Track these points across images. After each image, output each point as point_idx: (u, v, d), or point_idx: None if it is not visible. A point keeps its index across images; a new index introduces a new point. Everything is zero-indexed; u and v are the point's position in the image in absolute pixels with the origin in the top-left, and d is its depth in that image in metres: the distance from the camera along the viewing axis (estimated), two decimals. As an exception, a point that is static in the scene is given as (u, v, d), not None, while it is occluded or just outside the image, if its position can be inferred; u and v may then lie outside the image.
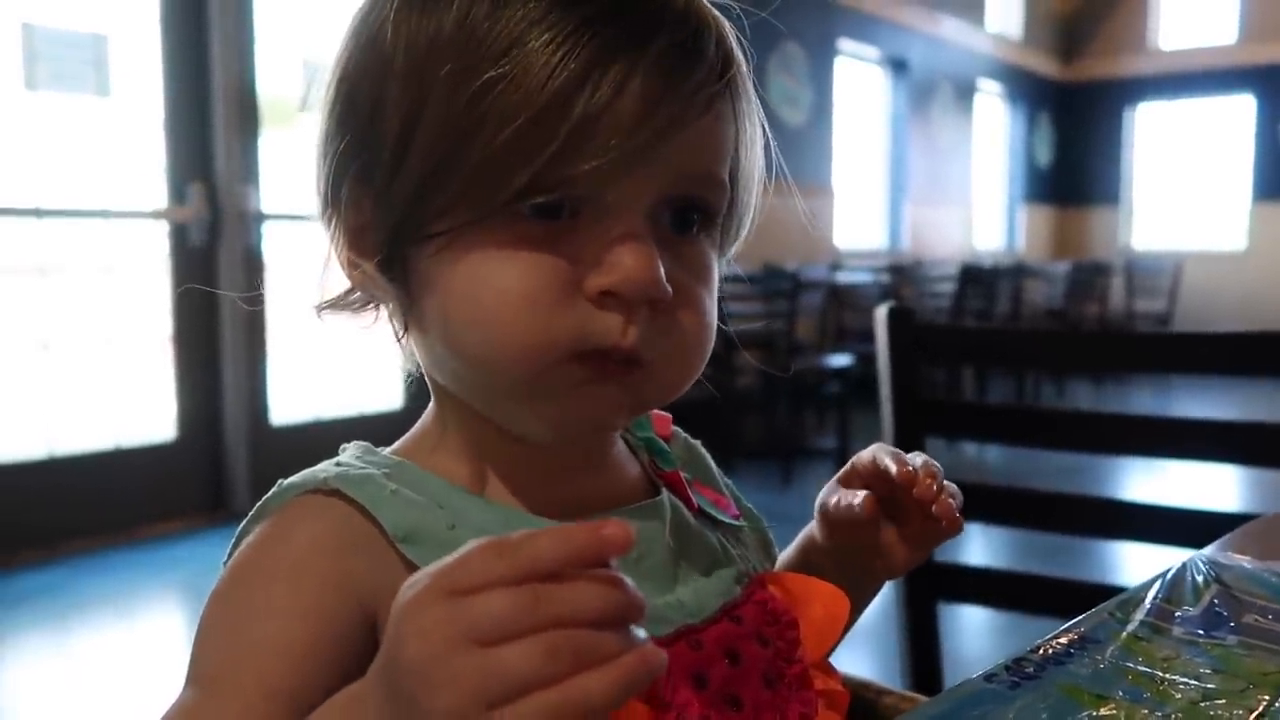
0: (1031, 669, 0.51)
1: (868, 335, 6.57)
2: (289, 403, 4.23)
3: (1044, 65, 10.42)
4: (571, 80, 0.47)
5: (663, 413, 0.64)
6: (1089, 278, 8.50)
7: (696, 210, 0.53)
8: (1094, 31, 10.67)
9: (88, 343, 3.72)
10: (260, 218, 4.03)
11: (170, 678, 2.65)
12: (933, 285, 6.75)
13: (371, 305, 0.58)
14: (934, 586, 1.18)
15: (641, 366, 0.51)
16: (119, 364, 3.80)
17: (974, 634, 2.83)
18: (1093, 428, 1.11)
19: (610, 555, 0.34)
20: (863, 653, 2.42)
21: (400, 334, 0.55)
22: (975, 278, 6.46)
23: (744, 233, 0.60)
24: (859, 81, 7.91)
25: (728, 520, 0.62)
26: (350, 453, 0.56)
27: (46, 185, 3.57)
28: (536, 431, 0.54)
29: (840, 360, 5.11)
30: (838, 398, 5.06)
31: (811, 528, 0.70)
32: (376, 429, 4.25)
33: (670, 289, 0.50)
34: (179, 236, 3.88)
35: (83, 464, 3.65)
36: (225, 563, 0.53)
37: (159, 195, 3.84)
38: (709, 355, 0.55)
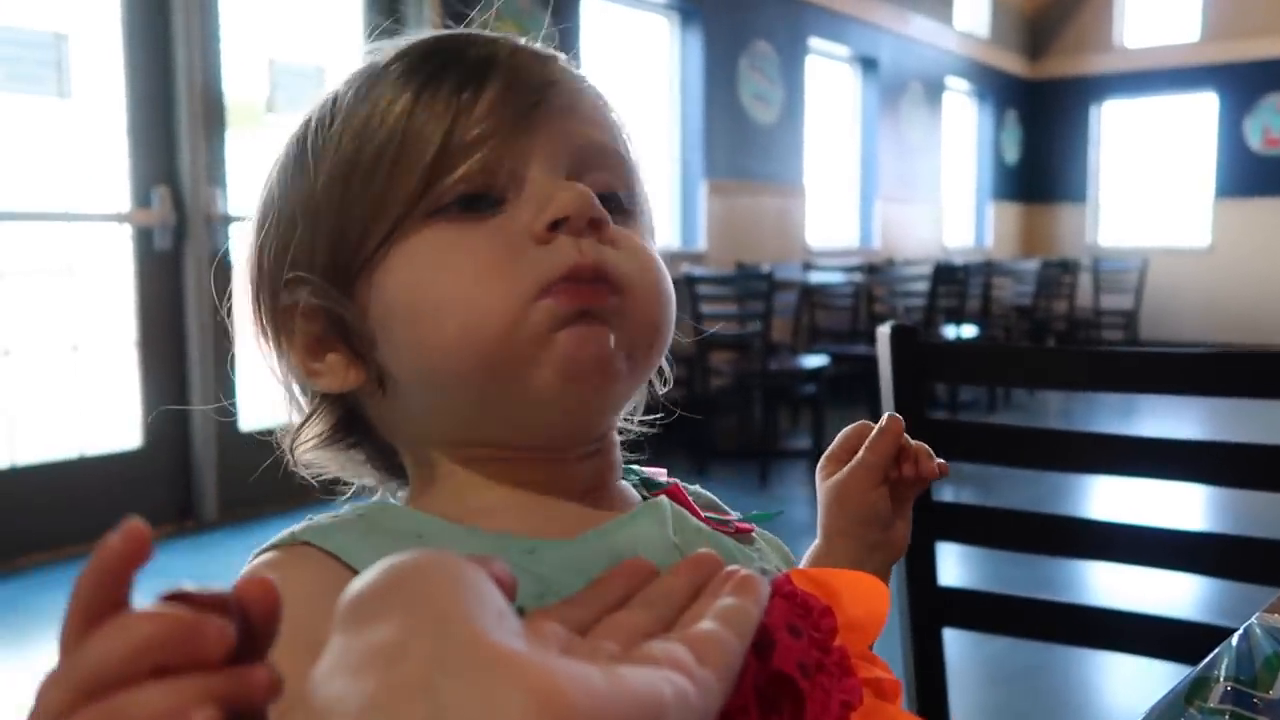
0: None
1: (841, 335, 6.63)
2: (258, 408, 4.15)
3: (1011, 63, 10.49)
4: (437, 102, 0.52)
5: (656, 468, 0.64)
6: (1057, 275, 8.57)
7: (618, 192, 0.56)
8: (1060, 30, 10.75)
9: (51, 349, 3.63)
10: (227, 220, 3.95)
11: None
12: (905, 284, 6.76)
13: (353, 442, 0.62)
14: (937, 610, 1.16)
15: (613, 288, 0.52)
16: (83, 371, 3.72)
17: (980, 656, 2.82)
18: (1101, 449, 1.08)
19: (130, 562, 0.30)
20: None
21: (379, 423, 0.58)
22: (947, 276, 6.47)
23: (650, 219, 0.61)
24: (829, 80, 7.91)
25: (737, 521, 0.61)
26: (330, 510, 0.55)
27: (6, 188, 3.48)
28: (545, 399, 0.51)
29: (815, 361, 5.09)
30: (812, 398, 5.05)
31: (814, 545, 0.72)
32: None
33: (607, 213, 0.52)
34: (144, 240, 3.79)
35: (46, 474, 3.57)
36: None
37: (123, 198, 3.75)
38: (672, 300, 0.56)
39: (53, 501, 3.55)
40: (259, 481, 4.31)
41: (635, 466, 0.62)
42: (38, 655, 2.82)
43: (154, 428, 3.84)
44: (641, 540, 0.52)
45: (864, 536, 0.70)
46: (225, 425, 3.99)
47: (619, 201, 0.56)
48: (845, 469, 0.72)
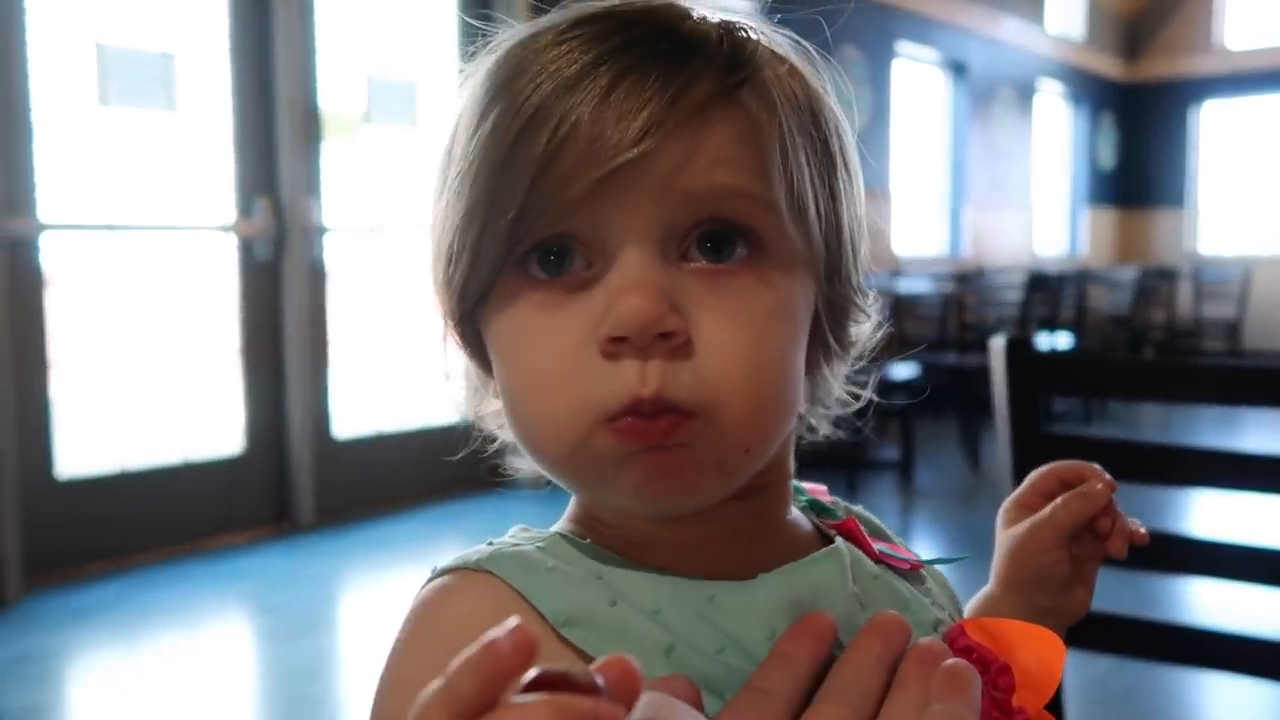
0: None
1: (931, 345, 6.51)
2: (352, 416, 4.25)
3: (1106, 65, 10.22)
4: (540, 110, 0.46)
5: (816, 485, 0.60)
6: (1155, 284, 8.31)
7: (736, 233, 0.47)
8: (1157, 30, 10.44)
9: (159, 357, 3.76)
10: (323, 230, 4.05)
11: (235, 689, 2.67)
12: (997, 294, 6.62)
13: None
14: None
15: (686, 414, 0.45)
16: (189, 378, 3.84)
17: (1085, 677, 2.75)
18: (1226, 466, 1.04)
19: (515, 664, 0.29)
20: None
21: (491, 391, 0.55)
22: (1040, 285, 6.32)
23: (849, 276, 0.53)
24: (918, 84, 7.80)
25: (909, 564, 0.57)
26: (509, 533, 0.53)
27: (118, 200, 3.62)
28: (633, 507, 0.49)
29: (904, 371, 5.02)
30: (901, 409, 4.97)
31: (985, 591, 0.67)
32: (439, 442, 4.25)
33: (675, 320, 0.45)
34: (246, 250, 3.91)
35: (151, 478, 3.69)
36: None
37: (227, 209, 3.87)
38: (782, 387, 0.48)
39: (158, 504, 3.67)
40: (353, 487, 4.42)
41: (799, 484, 0.58)
42: (144, 651, 2.92)
43: (254, 434, 3.95)
44: (821, 589, 0.49)
45: (1035, 599, 0.66)
46: (321, 432, 4.09)
47: (740, 242, 0.48)
48: (1028, 522, 0.66)
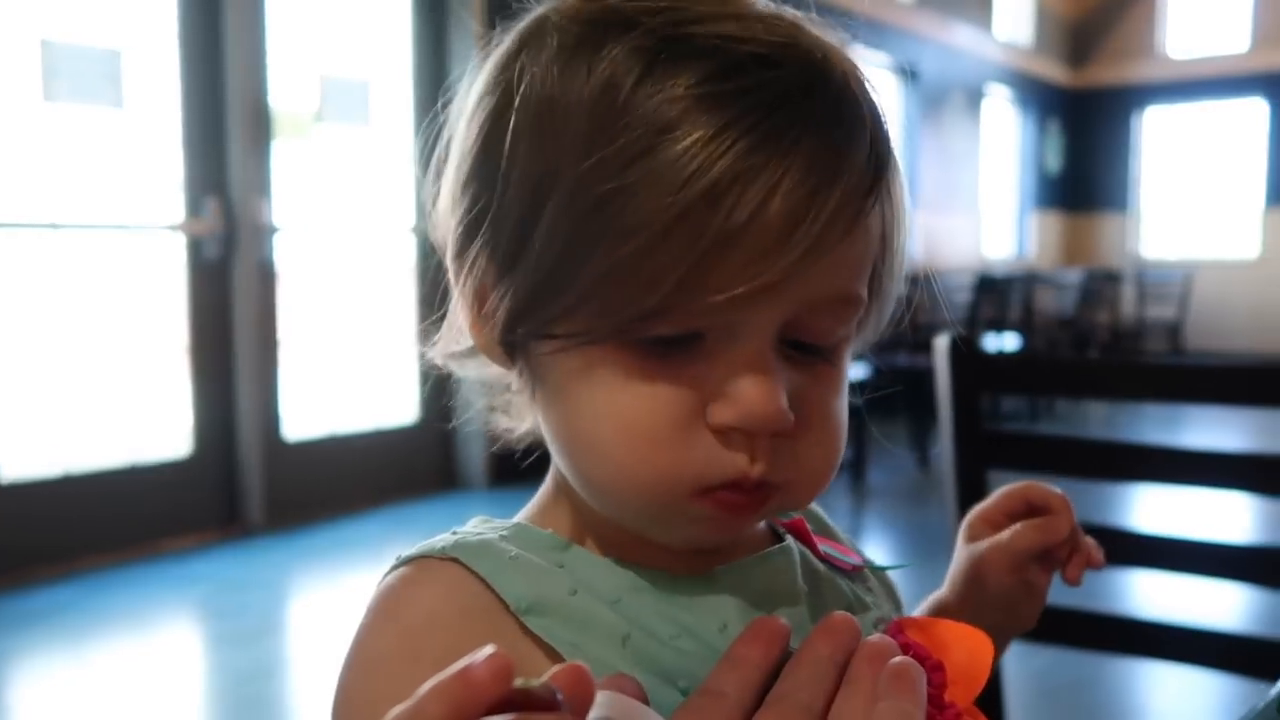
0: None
1: (883, 346, 6.59)
2: (303, 417, 4.21)
3: (1053, 72, 10.40)
4: (702, 197, 0.43)
5: None
6: (1100, 286, 8.48)
7: (834, 339, 0.49)
8: (1102, 39, 10.65)
9: (104, 358, 3.70)
10: (273, 230, 4.01)
11: (185, 694, 2.64)
12: (948, 295, 6.71)
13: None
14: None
15: (771, 489, 0.48)
16: (135, 379, 3.79)
17: (1029, 669, 2.80)
18: (1164, 462, 1.08)
19: (489, 692, 0.30)
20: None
21: (531, 397, 0.52)
22: (989, 287, 6.42)
23: (884, 322, 0.55)
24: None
25: (851, 564, 0.59)
26: (470, 523, 0.53)
27: (63, 199, 3.56)
28: (681, 540, 0.51)
29: (856, 372, 5.07)
30: (854, 410, 5.02)
31: (939, 594, 0.69)
32: (391, 444, 4.24)
33: (793, 417, 0.46)
34: (195, 250, 3.86)
35: (98, 481, 3.63)
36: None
37: (175, 208, 3.82)
38: (841, 457, 0.52)
39: (104, 508, 3.62)
40: (304, 489, 4.37)
41: None
42: (93, 656, 2.88)
43: (202, 435, 3.91)
44: (772, 586, 0.52)
45: (986, 614, 0.66)
46: (271, 433, 4.04)
47: (831, 346, 0.50)
48: (987, 544, 0.67)
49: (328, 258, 4.39)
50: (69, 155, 3.58)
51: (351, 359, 4.42)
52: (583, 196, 0.44)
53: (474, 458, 4.60)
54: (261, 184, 3.96)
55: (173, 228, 3.83)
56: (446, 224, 0.52)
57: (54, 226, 3.54)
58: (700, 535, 0.50)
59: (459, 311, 0.53)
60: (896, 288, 0.54)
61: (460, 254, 0.51)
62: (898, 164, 0.51)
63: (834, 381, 0.50)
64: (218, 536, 3.86)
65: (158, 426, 3.82)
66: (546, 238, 0.46)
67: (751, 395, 0.45)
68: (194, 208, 3.84)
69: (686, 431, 0.46)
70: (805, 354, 0.49)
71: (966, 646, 0.53)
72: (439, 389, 0.65)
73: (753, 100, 0.44)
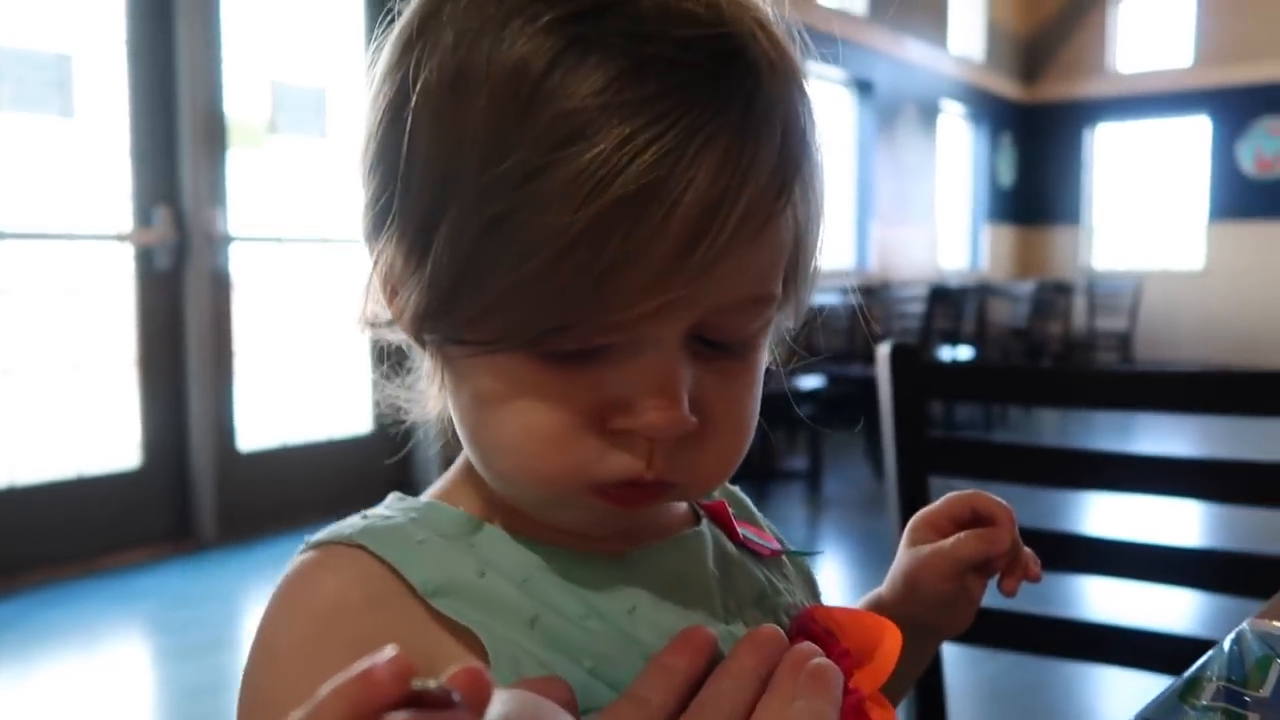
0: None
1: (838, 357, 6.64)
2: (257, 428, 4.16)
3: (1005, 87, 10.57)
4: (600, 217, 0.41)
5: None
6: (1052, 297, 8.62)
7: (745, 337, 0.49)
8: (1054, 54, 10.85)
9: (50, 369, 3.64)
10: (227, 240, 3.97)
11: (134, 711, 2.59)
12: (902, 306, 6.80)
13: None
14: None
15: (668, 485, 0.49)
16: (82, 390, 3.72)
17: (979, 675, 2.83)
18: (1099, 466, 1.10)
19: (390, 694, 0.29)
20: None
21: (440, 383, 0.52)
22: (942, 298, 6.51)
23: (804, 309, 0.55)
24: (824, 102, 7.96)
25: (769, 550, 0.60)
26: (384, 503, 0.53)
27: (9, 207, 3.50)
28: (559, 525, 0.51)
29: (812, 382, 5.11)
30: (809, 419, 5.06)
31: (878, 591, 0.70)
32: (345, 454, 4.20)
33: (695, 422, 0.46)
34: (145, 260, 3.81)
35: (44, 494, 3.57)
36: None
37: (124, 218, 3.77)
38: (747, 450, 0.51)
39: (51, 521, 3.55)
40: (258, 501, 4.32)
41: None
42: (39, 672, 2.82)
43: (153, 447, 3.85)
44: (682, 571, 0.53)
45: (921, 616, 0.68)
46: (224, 445, 3.99)
47: (743, 341, 0.49)
48: (929, 549, 0.67)
49: (283, 268, 4.35)
50: (15, 164, 3.51)
51: (306, 369, 4.38)
52: (479, 214, 0.43)
53: (429, 467, 4.57)
54: (215, 193, 3.91)
55: (121, 237, 3.78)
56: (362, 206, 0.51)
57: (0, 235, 3.48)
58: (596, 523, 0.50)
59: (375, 289, 0.52)
60: (817, 275, 0.54)
61: (370, 239, 0.50)
62: (815, 155, 0.50)
63: (744, 376, 0.50)
64: (169, 550, 3.80)
65: (106, 438, 3.76)
66: (448, 248, 0.44)
67: (653, 407, 0.45)
68: (143, 217, 3.79)
69: (586, 433, 0.46)
70: (716, 350, 0.48)
71: (874, 636, 0.54)
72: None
73: (657, 110, 0.42)
